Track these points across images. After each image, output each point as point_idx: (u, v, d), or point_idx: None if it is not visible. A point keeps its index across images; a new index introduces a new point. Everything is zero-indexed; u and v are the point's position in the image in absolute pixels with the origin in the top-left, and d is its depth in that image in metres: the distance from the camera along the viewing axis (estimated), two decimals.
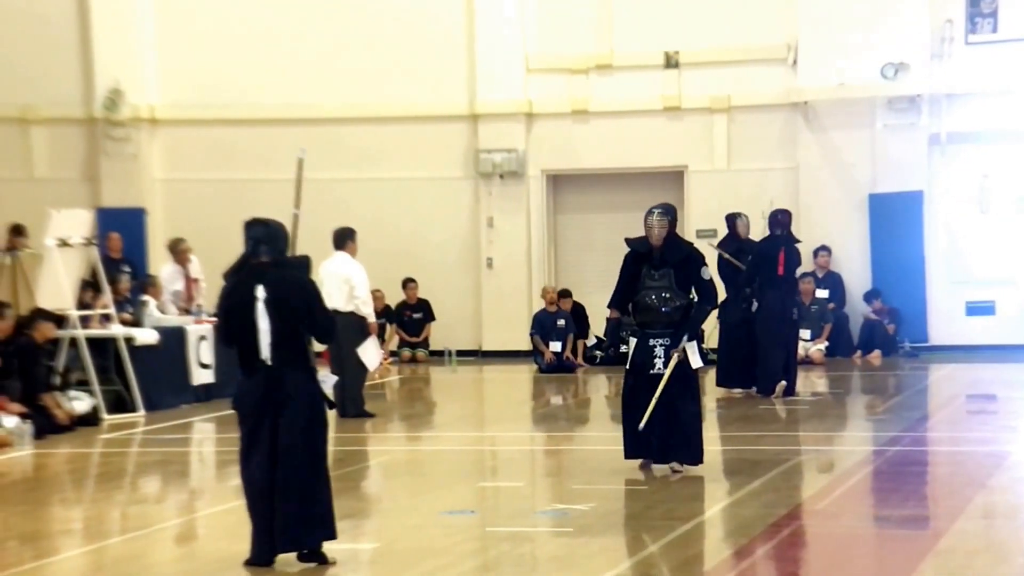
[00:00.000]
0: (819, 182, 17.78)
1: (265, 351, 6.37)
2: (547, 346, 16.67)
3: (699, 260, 8.85)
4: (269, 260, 6.39)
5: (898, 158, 17.53)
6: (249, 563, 6.66)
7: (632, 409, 8.82)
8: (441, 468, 10.18)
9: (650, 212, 8.85)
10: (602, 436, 11.16)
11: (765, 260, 13.00)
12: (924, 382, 15.10)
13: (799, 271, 13.98)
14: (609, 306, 9.18)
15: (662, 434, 8.69)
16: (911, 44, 17.43)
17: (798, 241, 13.31)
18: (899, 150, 17.55)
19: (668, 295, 8.73)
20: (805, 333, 16.96)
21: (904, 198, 17.45)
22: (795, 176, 18.01)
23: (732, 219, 13.91)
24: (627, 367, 8.94)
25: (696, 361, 8.71)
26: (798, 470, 9.46)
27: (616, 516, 7.71)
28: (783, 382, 12.90)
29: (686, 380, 8.75)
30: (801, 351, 16.82)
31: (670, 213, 8.87)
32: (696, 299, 8.80)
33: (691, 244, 9.06)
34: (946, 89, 17.43)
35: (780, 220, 13.18)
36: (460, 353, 18.35)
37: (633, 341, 8.88)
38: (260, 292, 6.36)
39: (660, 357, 8.70)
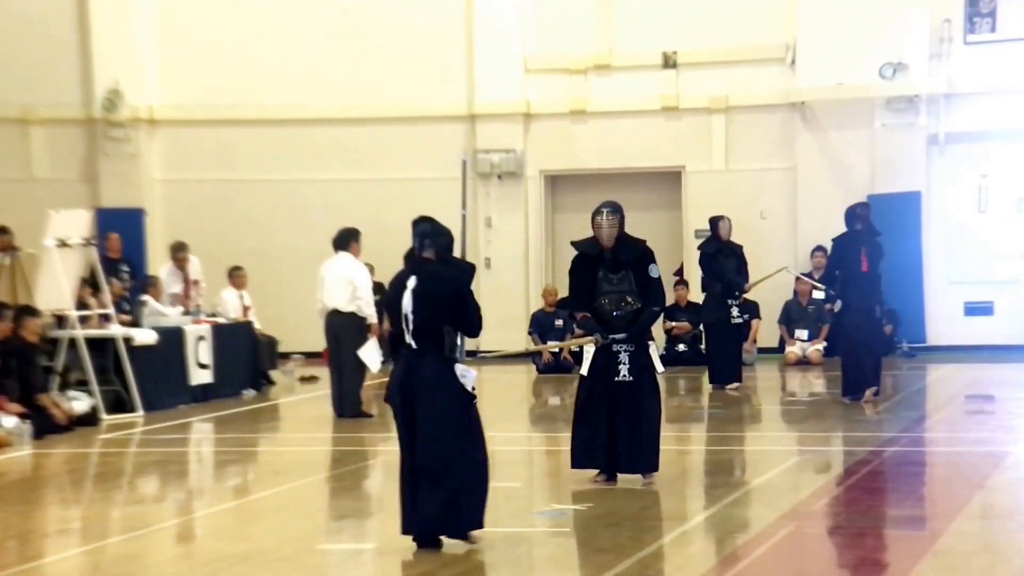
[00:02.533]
0: (817, 182, 17.78)
1: (408, 336, 6.74)
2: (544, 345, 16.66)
3: (651, 258, 8.42)
4: (431, 255, 6.76)
5: (896, 158, 17.54)
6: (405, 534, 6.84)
7: (586, 417, 8.38)
8: None
9: (598, 211, 8.32)
10: None
11: (845, 258, 12.36)
12: (922, 382, 15.11)
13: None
14: (573, 312, 8.58)
15: (628, 445, 8.32)
16: (909, 44, 17.43)
17: (879, 234, 12.50)
18: (897, 150, 17.56)
19: (630, 299, 8.32)
20: (803, 333, 17.02)
21: (902, 198, 17.46)
22: (793, 176, 18.02)
23: (715, 221, 14.08)
24: (584, 373, 8.45)
25: (659, 366, 8.41)
26: (796, 470, 9.47)
27: (613, 516, 7.71)
28: (875, 387, 12.40)
29: (651, 388, 8.41)
30: (799, 351, 16.94)
31: (619, 211, 8.34)
32: (643, 301, 8.32)
33: (644, 242, 8.50)
34: (944, 89, 17.45)
35: (859, 214, 12.39)
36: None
37: (591, 347, 8.37)
38: (411, 282, 6.75)
39: (625, 364, 8.31)
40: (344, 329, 12.34)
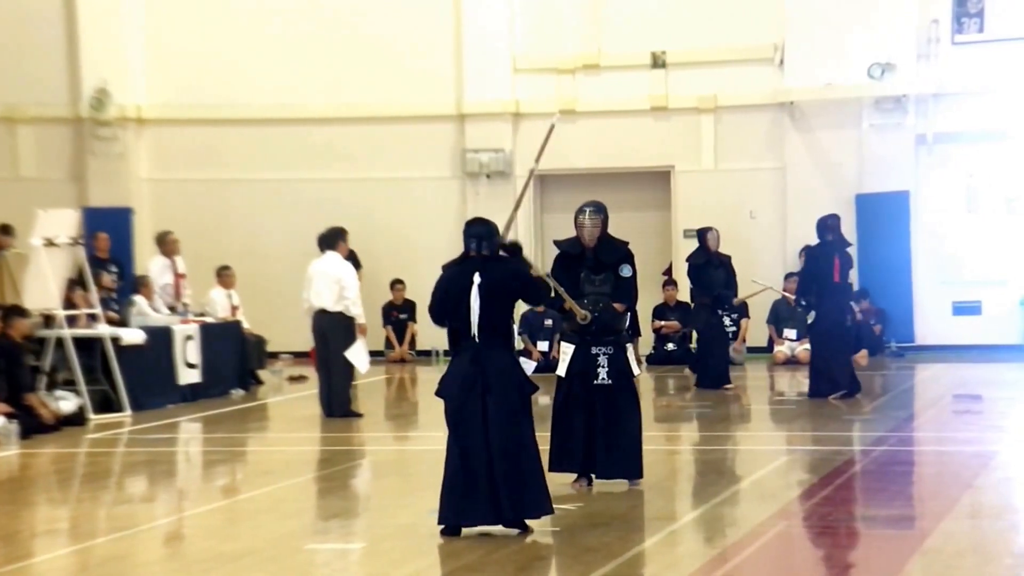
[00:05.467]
0: (806, 182, 17.82)
1: (474, 329, 7.08)
2: (535, 346, 16.67)
3: (629, 258, 8.35)
4: (488, 254, 7.20)
5: (885, 158, 17.58)
6: (443, 532, 7.10)
7: (564, 419, 8.26)
8: (428, 468, 10.15)
9: (581, 211, 8.27)
10: None
11: (819, 268, 12.72)
12: (911, 382, 15.14)
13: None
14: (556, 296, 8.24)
15: (607, 449, 8.25)
16: (898, 44, 17.48)
17: (849, 244, 13.04)
18: (886, 150, 17.60)
19: (610, 301, 8.23)
20: (791, 333, 17.06)
21: (891, 198, 17.51)
22: (782, 176, 18.05)
23: (703, 233, 14.12)
24: (561, 375, 8.33)
25: (636, 369, 8.35)
26: (785, 469, 9.48)
27: (602, 516, 7.70)
28: (844, 392, 12.62)
29: (630, 391, 8.35)
30: (787, 351, 16.97)
31: (602, 211, 8.28)
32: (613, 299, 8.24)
33: (626, 243, 8.44)
34: (932, 89, 17.50)
35: (831, 225, 12.81)
36: (447, 353, 18.30)
37: (569, 348, 8.29)
38: (476, 278, 7.11)
39: (604, 367, 8.19)
40: (332, 329, 12.32)
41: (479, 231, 7.25)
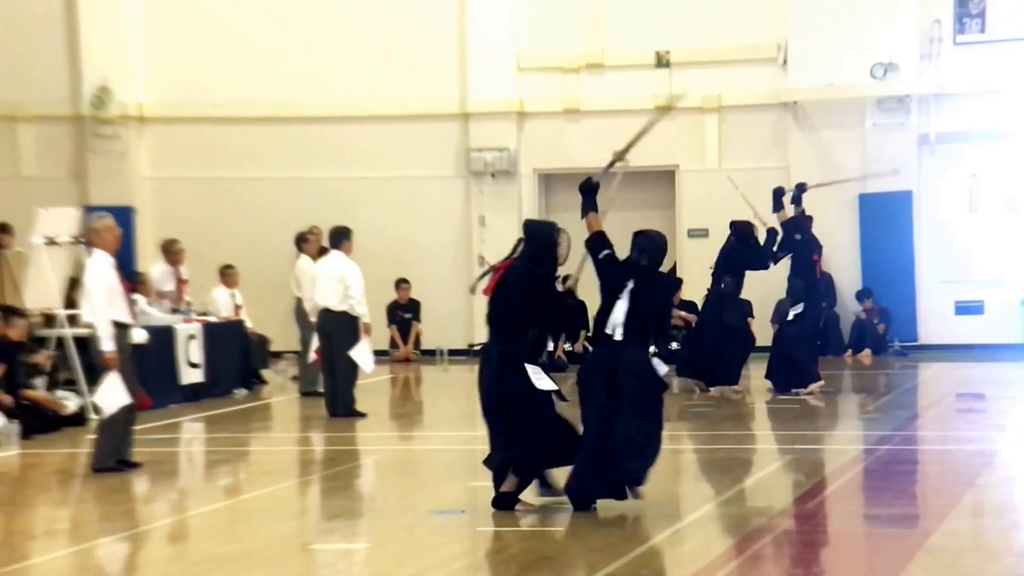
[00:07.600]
0: (810, 182, 17.77)
1: (611, 327, 7.71)
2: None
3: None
4: (646, 265, 7.94)
5: (887, 158, 17.57)
6: (574, 506, 7.66)
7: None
8: (432, 468, 10.17)
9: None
10: None
11: (808, 263, 13.58)
12: (914, 381, 15.14)
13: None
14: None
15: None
16: (900, 44, 17.48)
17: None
18: (888, 150, 17.59)
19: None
20: None
21: (893, 198, 17.50)
22: (786, 176, 17.98)
23: (749, 227, 14.07)
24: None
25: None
26: (788, 469, 9.47)
27: (606, 515, 7.69)
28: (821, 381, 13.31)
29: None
30: None
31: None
32: None
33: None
34: (935, 89, 17.50)
35: (806, 227, 13.65)
36: (451, 352, 18.34)
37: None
38: (630, 284, 7.85)
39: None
40: (337, 328, 12.30)
41: (642, 243, 8.07)
